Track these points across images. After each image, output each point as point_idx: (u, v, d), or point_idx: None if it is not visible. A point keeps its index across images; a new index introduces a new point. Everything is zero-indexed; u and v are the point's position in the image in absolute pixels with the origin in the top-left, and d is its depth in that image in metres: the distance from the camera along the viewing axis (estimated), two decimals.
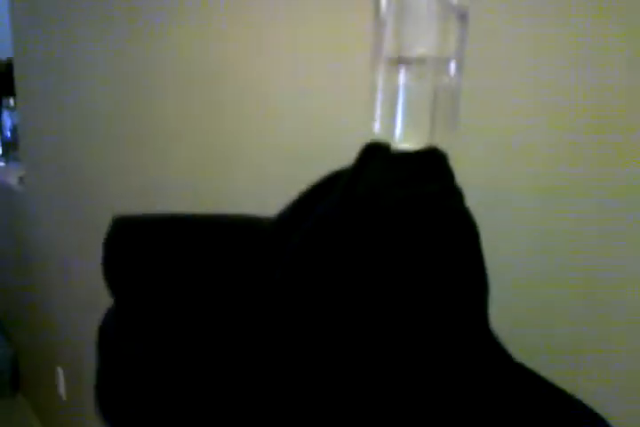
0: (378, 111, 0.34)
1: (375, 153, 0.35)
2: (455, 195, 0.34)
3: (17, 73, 2.32)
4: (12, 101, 2.47)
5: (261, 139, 1.01)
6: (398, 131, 0.34)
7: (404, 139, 0.34)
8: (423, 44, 0.34)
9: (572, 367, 0.58)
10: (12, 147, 2.51)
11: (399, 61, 0.33)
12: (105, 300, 0.41)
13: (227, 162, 1.11)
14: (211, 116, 1.14)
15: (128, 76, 1.45)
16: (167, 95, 1.28)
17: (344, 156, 0.36)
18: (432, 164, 0.34)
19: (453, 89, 0.34)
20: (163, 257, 0.39)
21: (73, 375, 2.16)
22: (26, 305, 2.64)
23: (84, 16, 1.65)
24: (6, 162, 2.56)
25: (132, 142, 1.48)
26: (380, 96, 0.34)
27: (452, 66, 0.34)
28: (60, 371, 2.30)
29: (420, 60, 0.33)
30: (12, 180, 2.43)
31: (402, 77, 0.33)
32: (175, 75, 1.24)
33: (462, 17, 0.34)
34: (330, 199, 0.35)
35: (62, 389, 2.29)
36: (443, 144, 0.35)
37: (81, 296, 1.93)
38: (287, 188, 0.38)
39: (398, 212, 0.32)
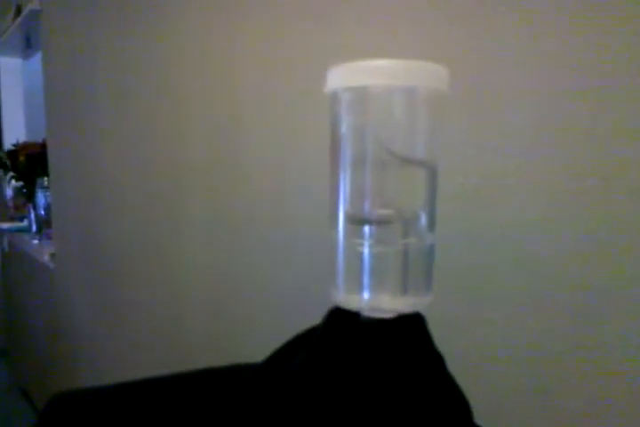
0: (340, 279, 0.31)
1: (343, 320, 0.32)
2: (431, 367, 0.31)
3: (50, 154, 2.42)
4: (46, 181, 2.55)
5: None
6: (366, 296, 0.31)
7: (372, 305, 0.31)
8: (388, 201, 0.31)
9: None
10: (45, 225, 2.57)
11: (362, 221, 0.31)
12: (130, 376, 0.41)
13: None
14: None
15: (157, 159, 1.48)
16: (193, 174, 1.30)
17: None
18: (405, 334, 0.31)
19: (424, 249, 0.31)
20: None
21: None
22: (53, 373, 2.63)
23: (109, 105, 1.72)
24: (40, 239, 2.62)
25: (160, 220, 1.49)
26: (340, 261, 0.31)
27: (422, 223, 0.32)
28: None
29: (384, 220, 0.31)
30: (45, 257, 2.48)
31: (366, 241, 0.31)
32: (203, 162, 1.26)
33: (431, 170, 0.32)
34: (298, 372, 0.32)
35: None
36: (417, 307, 0.32)
37: (105, 367, 1.90)
38: None
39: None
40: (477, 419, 0.33)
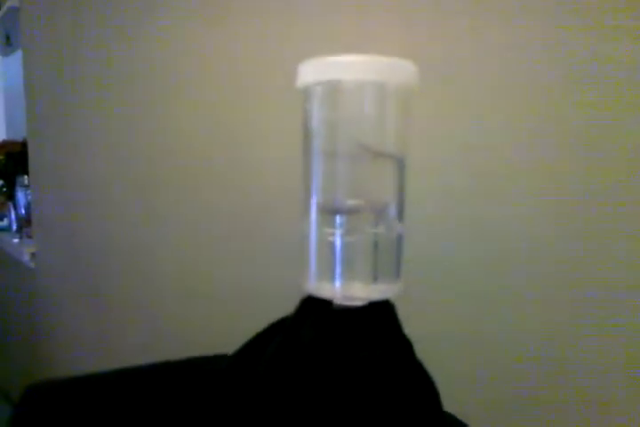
0: (312, 268, 0.32)
1: (315, 308, 0.33)
2: (401, 353, 0.32)
3: (30, 153, 2.39)
4: (26, 179, 2.52)
5: None
6: (337, 284, 0.32)
7: (343, 293, 0.32)
8: (358, 192, 0.32)
9: None
10: (25, 224, 2.54)
11: (333, 211, 0.32)
12: None
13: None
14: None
15: (138, 157, 1.48)
16: (175, 173, 1.30)
17: None
18: (375, 320, 0.32)
19: (394, 238, 0.32)
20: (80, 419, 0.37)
21: None
22: (34, 374, 2.60)
23: (90, 103, 1.71)
24: (20, 238, 2.59)
25: (141, 218, 1.49)
26: (312, 251, 0.32)
27: (392, 213, 0.33)
28: None
29: (355, 210, 0.32)
30: (25, 256, 2.45)
31: (337, 230, 0.32)
32: (174, 153, 1.26)
33: (400, 163, 0.33)
34: (269, 364, 0.33)
35: None
36: (386, 294, 0.33)
37: (87, 368, 1.89)
38: None
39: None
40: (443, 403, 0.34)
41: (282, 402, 0.32)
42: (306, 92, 0.32)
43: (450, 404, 0.41)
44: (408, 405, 0.31)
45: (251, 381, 0.34)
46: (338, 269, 0.31)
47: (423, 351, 0.36)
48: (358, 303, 0.32)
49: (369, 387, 0.31)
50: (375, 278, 0.32)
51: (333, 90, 0.32)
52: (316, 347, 0.32)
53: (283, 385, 0.32)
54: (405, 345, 0.32)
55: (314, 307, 0.32)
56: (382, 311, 0.32)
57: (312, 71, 0.32)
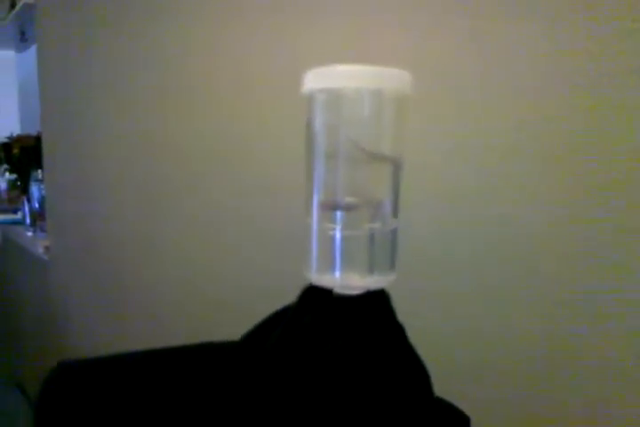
0: (314, 260, 0.35)
1: (316, 297, 0.36)
2: (394, 337, 0.35)
3: (44, 147, 2.44)
4: (40, 174, 2.57)
5: None
6: (337, 275, 0.35)
7: (342, 283, 0.35)
8: (356, 190, 0.35)
9: None
10: (39, 217, 2.59)
11: (333, 208, 0.35)
12: None
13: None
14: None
15: (148, 152, 1.51)
16: (179, 165, 1.33)
17: None
18: (371, 307, 0.35)
19: (388, 232, 0.35)
20: (107, 402, 0.40)
21: None
22: (47, 366, 2.65)
23: (103, 99, 1.75)
24: (34, 232, 2.64)
25: (151, 212, 1.53)
26: (314, 244, 0.35)
27: (387, 210, 0.35)
28: None
29: (353, 207, 0.35)
30: (39, 249, 2.50)
31: (337, 225, 0.35)
32: (183, 150, 1.29)
33: (395, 163, 0.36)
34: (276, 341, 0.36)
35: None
36: (382, 284, 0.36)
37: None
38: None
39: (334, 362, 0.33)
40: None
41: (286, 382, 0.35)
42: (310, 98, 0.35)
43: (447, 398, 0.44)
44: (398, 383, 0.34)
45: (258, 362, 0.37)
46: (337, 261, 0.35)
47: (423, 345, 0.38)
48: (356, 292, 0.35)
49: (364, 366, 0.34)
50: (371, 269, 0.35)
51: (335, 96, 0.35)
52: (317, 331, 0.35)
53: (287, 366, 0.35)
54: (398, 330, 0.35)
55: (315, 295, 0.36)
56: (378, 299, 0.35)
57: (316, 79, 0.35)
